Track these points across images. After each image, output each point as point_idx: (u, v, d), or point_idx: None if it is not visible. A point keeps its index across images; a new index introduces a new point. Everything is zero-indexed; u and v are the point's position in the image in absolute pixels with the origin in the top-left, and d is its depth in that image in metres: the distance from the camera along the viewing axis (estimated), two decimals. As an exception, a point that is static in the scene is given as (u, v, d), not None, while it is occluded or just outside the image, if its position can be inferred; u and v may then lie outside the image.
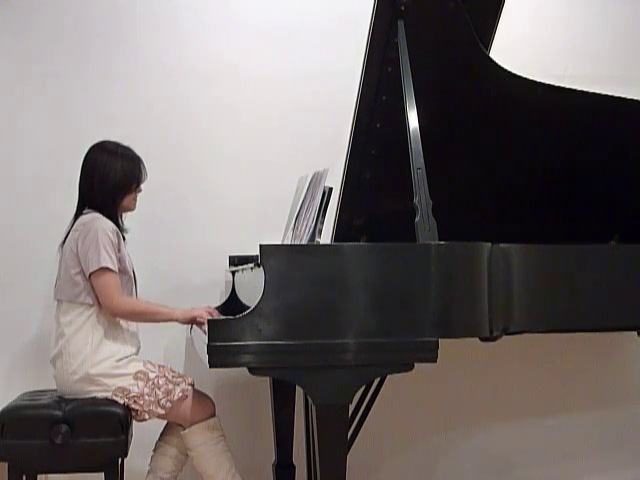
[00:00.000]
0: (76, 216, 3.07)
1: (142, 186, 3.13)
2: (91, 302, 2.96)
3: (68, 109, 3.74)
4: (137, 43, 3.81)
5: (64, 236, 3.08)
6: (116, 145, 3.11)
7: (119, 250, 2.99)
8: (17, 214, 3.68)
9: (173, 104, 3.79)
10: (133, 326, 3.07)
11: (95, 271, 2.92)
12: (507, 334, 2.65)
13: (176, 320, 3.02)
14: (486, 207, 3.26)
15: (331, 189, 2.87)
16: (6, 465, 2.82)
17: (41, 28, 3.74)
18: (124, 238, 3.10)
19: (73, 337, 2.94)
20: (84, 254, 2.94)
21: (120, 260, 2.99)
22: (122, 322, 3.02)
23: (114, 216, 3.07)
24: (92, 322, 2.95)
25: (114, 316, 2.96)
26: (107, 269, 2.92)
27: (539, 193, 3.26)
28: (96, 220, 2.99)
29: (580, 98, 3.11)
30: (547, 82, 3.09)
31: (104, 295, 2.92)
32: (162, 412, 2.94)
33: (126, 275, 3.03)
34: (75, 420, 2.83)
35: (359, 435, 3.15)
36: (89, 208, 3.05)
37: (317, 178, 2.89)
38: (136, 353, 3.05)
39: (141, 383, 2.92)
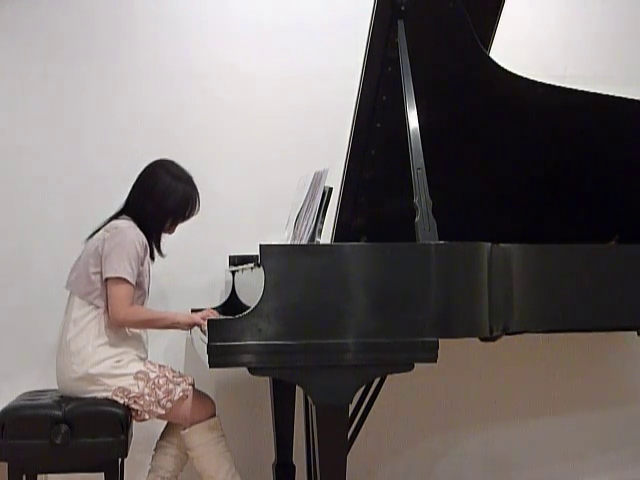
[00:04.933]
0: (113, 217, 3.07)
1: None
2: (100, 305, 2.96)
3: (68, 109, 3.74)
4: (137, 43, 3.81)
5: (93, 231, 3.08)
6: (181, 170, 3.12)
7: (142, 264, 2.99)
8: (17, 214, 3.68)
9: (173, 104, 3.79)
10: (138, 330, 3.06)
11: (112, 278, 2.92)
12: (507, 334, 2.65)
13: (178, 323, 3.02)
14: (486, 207, 3.26)
15: (331, 189, 2.87)
16: (6, 465, 2.82)
17: (41, 28, 3.74)
18: (153, 258, 3.11)
19: (77, 336, 2.95)
20: (107, 257, 2.94)
21: (140, 274, 2.99)
22: (127, 329, 3.01)
23: (156, 238, 3.09)
24: (97, 324, 2.95)
25: (119, 326, 2.96)
26: (124, 280, 2.91)
27: (539, 193, 3.26)
28: (130, 229, 2.99)
29: (580, 98, 3.11)
30: (547, 82, 3.09)
31: (113, 305, 2.92)
32: (162, 412, 2.94)
33: (141, 290, 3.03)
34: (75, 420, 2.83)
35: (359, 435, 3.15)
36: (132, 218, 3.04)
37: (317, 178, 2.89)
38: (144, 358, 3.05)
39: (141, 383, 2.92)
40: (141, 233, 3.01)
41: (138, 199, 3.08)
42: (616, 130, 3.21)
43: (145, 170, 3.12)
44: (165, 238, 3.17)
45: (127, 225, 3.01)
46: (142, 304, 3.06)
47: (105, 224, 3.07)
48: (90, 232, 3.10)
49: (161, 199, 3.06)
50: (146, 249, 3.02)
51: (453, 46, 2.95)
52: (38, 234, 3.67)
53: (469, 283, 2.51)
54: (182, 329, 3.08)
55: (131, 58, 3.80)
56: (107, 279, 2.93)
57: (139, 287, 3.01)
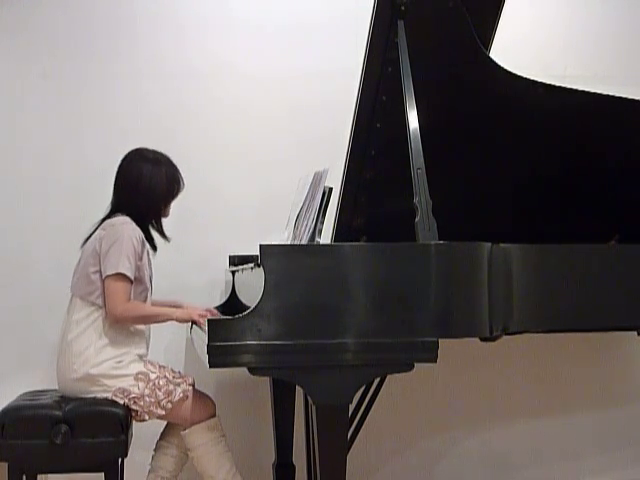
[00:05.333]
0: (105, 218, 3.07)
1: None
2: (101, 304, 2.96)
3: (68, 109, 3.74)
4: (137, 43, 3.81)
5: (89, 233, 3.07)
6: (156, 153, 3.11)
7: (140, 259, 2.99)
8: (17, 214, 3.68)
9: (173, 104, 3.79)
10: (142, 327, 3.06)
11: (111, 275, 2.92)
12: (507, 334, 2.65)
13: (175, 319, 3.03)
14: (486, 207, 3.26)
15: (331, 189, 2.87)
16: (6, 465, 2.82)
17: (41, 28, 3.74)
18: (155, 248, 3.12)
19: (79, 337, 2.94)
20: (105, 255, 2.94)
21: (139, 269, 2.98)
22: (131, 326, 3.01)
23: (159, 225, 3.10)
24: (100, 324, 2.95)
25: (116, 323, 2.96)
26: (123, 275, 2.91)
27: (539, 193, 3.26)
28: (125, 225, 2.99)
29: (580, 98, 3.11)
30: (547, 82, 3.09)
31: (111, 301, 2.92)
32: (162, 413, 2.93)
33: (142, 285, 3.03)
34: (75, 420, 2.83)
35: (359, 435, 3.15)
36: (126, 215, 3.04)
37: (317, 178, 2.90)
38: (144, 354, 3.05)
39: (142, 384, 2.92)
40: (137, 228, 3.01)
41: (127, 197, 3.07)
42: (616, 130, 3.21)
43: (122, 166, 3.09)
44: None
45: (123, 221, 3.01)
46: (145, 299, 3.06)
47: (98, 226, 3.06)
48: (89, 233, 3.09)
49: (150, 190, 3.05)
50: (143, 244, 3.02)
51: (453, 46, 2.96)
52: (38, 234, 3.67)
53: (469, 283, 2.51)
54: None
55: (131, 58, 3.80)
56: (106, 277, 2.93)
57: (140, 282, 3.01)
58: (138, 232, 3.00)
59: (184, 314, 3.02)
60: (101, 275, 2.95)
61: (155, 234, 3.15)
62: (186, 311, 3.05)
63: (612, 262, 2.80)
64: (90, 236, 3.06)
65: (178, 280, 3.72)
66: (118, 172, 3.10)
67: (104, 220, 3.06)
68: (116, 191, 3.10)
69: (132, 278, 2.94)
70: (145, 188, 3.04)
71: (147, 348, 3.08)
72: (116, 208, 3.07)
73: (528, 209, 3.29)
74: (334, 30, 3.85)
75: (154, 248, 3.14)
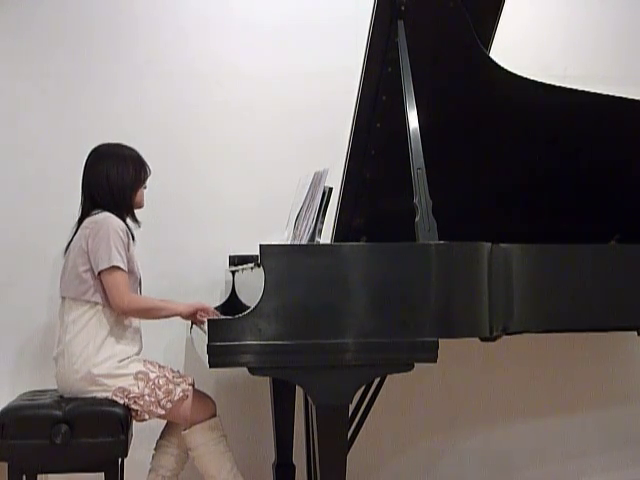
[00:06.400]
0: (82, 218, 3.07)
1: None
2: (97, 300, 2.96)
3: (68, 109, 3.74)
4: (137, 43, 3.81)
5: (70, 236, 3.08)
6: (116, 147, 3.12)
7: (128, 250, 3.00)
8: (18, 214, 3.69)
9: (173, 104, 3.79)
10: (136, 323, 3.07)
11: (106, 269, 2.92)
12: (507, 334, 2.65)
13: (180, 314, 3.05)
14: (486, 207, 3.26)
15: (331, 189, 2.88)
16: (6, 465, 2.82)
17: (41, 28, 3.74)
18: (133, 238, 3.12)
19: (76, 336, 2.94)
20: (95, 252, 2.94)
21: (129, 260, 3.00)
22: (126, 320, 3.02)
23: (132, 213, 3.11)
24: (96, 321, 2.96)
25: (124, 314, 2.97)
26: (118, 268, 2.92)
27: (539, 193, 3.26)
28: (108, 219, 2.99)
29: (580, 98, 3.11)
30: (547, 82, 3.09)
31: (115, 294, 2.93)
32: (162, 412, 2.94)
33: (133, 275, 3.04)
34: (75, 420, 2.83)
35: (359, 435, 3.15)
36: (102, 210, 3.04)
37: (317, 178, 2.90)
38: (138, 352, 3.06)
39: (141, 383, 2.92)
40: (120, 220, 3.02)
41: (102, 195, 3.06)
42: (616, 130, 3.21)
43: (89, 168, 3.10)
44: (167, 238, 3.16)
45: (105, 216, 3.01)
46: (136, 291, 3.07)
47: (77, 227, 3.07)
48: (69, 238, 3.09)
49: (121, 181, 3.06)
50: (128, 234, 3.03)
51: (453, 46, 2.96)
52: (38, 234, 3.66)
53: (469, 283, 2.51)
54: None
55: (131, 58, 3.80)
56: (101, 272, 2.93)
57: (131, 273, 3.02)
58: (121, 224, 3.02)
59: (187, 307, 3.04)
60: (93, 272, 2.96)
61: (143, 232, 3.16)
62: (188, 303, 3.07)
63: (612, 262, 2.80)
64: (72, 239, 3.07)
65: (178, 280, 3.72)
66: (86, 175, 3.10)
67: (81, 221, 3.07)
68: (88, 192, 3.09)
69: (126, 269, 2.95)
70: (115, 182, 3.06)
71: (141, 343, 3.09)
72: (92, 207, 3.08)
73: (528, 209, 3.28)
74: (334, 30, 3.85)
75: (133, 238, 3.14)
